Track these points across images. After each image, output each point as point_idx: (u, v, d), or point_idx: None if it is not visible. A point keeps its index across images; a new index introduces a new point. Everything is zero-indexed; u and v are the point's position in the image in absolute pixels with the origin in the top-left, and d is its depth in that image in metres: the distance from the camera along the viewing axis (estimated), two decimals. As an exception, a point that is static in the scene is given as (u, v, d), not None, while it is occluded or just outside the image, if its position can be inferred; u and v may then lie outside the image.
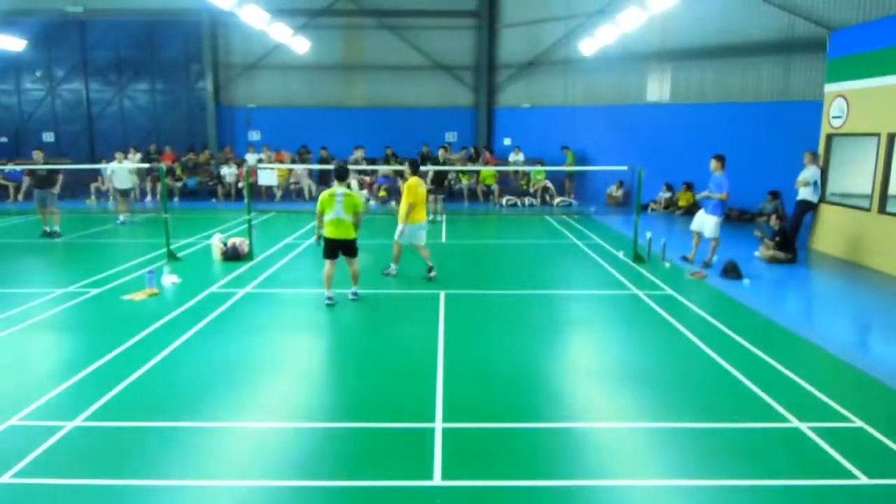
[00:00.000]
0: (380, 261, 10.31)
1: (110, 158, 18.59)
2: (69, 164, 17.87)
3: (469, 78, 22.07)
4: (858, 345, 7.41)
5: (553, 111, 20.65)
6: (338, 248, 8.18)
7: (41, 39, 21.17)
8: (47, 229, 13.35)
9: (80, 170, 17.90)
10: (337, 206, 7.93)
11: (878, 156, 10.89)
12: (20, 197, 13.80)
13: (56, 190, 13.53)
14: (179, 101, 22.55)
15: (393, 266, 9.87)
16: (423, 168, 17.90)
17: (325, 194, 8.03)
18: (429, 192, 15.86)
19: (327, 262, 8.23)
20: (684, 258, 11.06)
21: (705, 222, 10.65)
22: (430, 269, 9.64)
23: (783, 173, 13.71)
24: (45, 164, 13.65)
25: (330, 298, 8.24)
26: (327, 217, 8.01)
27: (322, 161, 19.93)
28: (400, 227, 9.51)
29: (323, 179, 20.48)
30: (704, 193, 10.67)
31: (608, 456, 4.76)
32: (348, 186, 8.34)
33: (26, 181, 13.71)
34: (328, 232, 8.07)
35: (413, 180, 9.44)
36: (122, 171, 15.33)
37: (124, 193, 15.49)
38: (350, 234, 8.11)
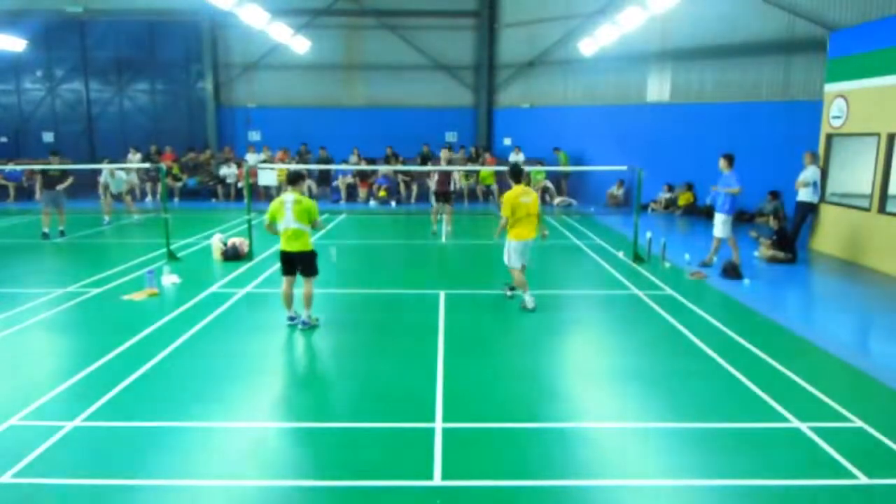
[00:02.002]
0: (374, 259, 10.29)
1: (111, 159, 18.62)
2: (72, 165, 17.89)
3: (469, 78, 22.07)
4: (858, 345, 7.41)
5: (553, 111, 20.64)
6: (294, 263, 7.24)
7: (41, 39, 21.15)
8: (46, 230, 13.30)
9: (82, 171, 17.86)
10: (287, 215, 7.03)
11: (877, 156, 10.89)
12: (37, 196, 13.98)
13: (63, 188, 13.56)
14: (179, 101, 22.55)
15: (527, 297, 8.21)
16: (424, 168, 18.00)
17: (274, 202, 7.22)
18: (435, 193, 15.72)
19: (285, 280, 7.34)
20: (703, 264, 10.75)
21: (716, 222, 10.59)
22: (511, 287, 8.53)
23: (783, 173, 13.72)
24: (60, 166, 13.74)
25: (292, 319, 7.46)
26: (280, 227, 7.15)
27: (321, 161, 19.92)
28: (506, 246, 8.26)
29: (323, 179, 20.50)
30: (714, 187, 10.58)
31: (608, 456, 4.76)
32: (305, 192, 7.25)
33: (38, 181, 13.70)
34: (283, 244, 7.20)
35: (515, 190, 8.07)
36: (117, 178, 15.40)
37: (116, 197, 15.56)
38: (307, 247, 7.19)
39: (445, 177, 13.81)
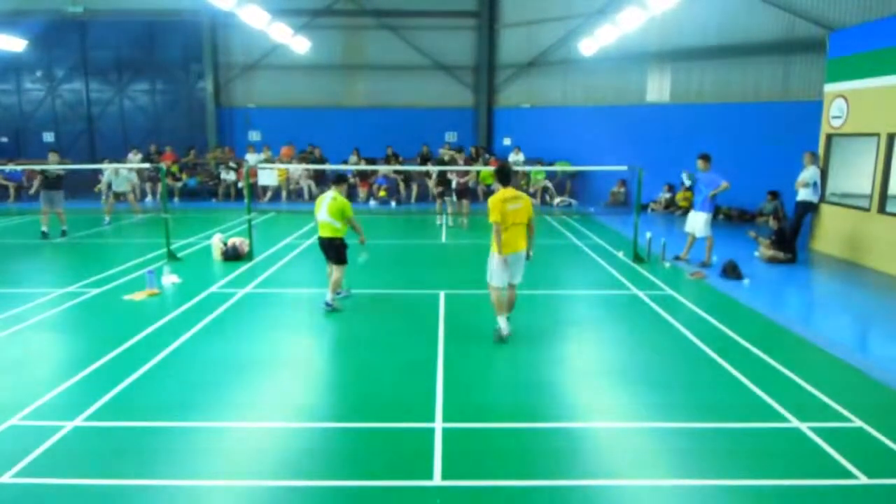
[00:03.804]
0: (374, 259, 10.28)
1: (112, 159, 18.64)
2: (74, 165, 17.90)
3: (469, 78, 22.07)
4: (858, 345, 7.40)
5: (553, 111, 20.65)
6: (326, 250, 8.17)
7: (41, 39, 21.14)
8: (45, 230, 13.29)
9: (83, 170, 17.90)
10: (322, 209, 8.05)
11: (877, 156, 10.89)
12: (34, 191, 14.33)
13: (59, 194, 13.57)
14: (179, 101, 22.54)
15: (501, 321, 7.03)
16: (425, 168, 17.97)
17: (319, 197, 8.26)
18: (438, 194, 15.76)
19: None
20: (677, 258, 11.10)
21: (696, 221, 10.68)
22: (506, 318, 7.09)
23: (783, 173, 13.71)
24: (59, 164, 13.80)
25: (337, 293, 8.40)
26: (317, 218, 8.20)
27: (316, 161, 19.89)
28: (488, 261, 7.06)
29: (321, 180, 20.46)
30: (711, 193, 10.54)
31: (608, 456, 4.76)
32: (344, 192, 8.26)
33: (37, 181, 13.84)
34: (319, 231, 8.20)
35: (501, 193, 6.83)
36: (120, 177, 15.46)
37: (118, 196, 15.63)
38: (336, 234, 8.06)
39: (464, 174, 14.18)
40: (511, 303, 7.20)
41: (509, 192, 6.88)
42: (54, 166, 13.34)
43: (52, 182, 13.28)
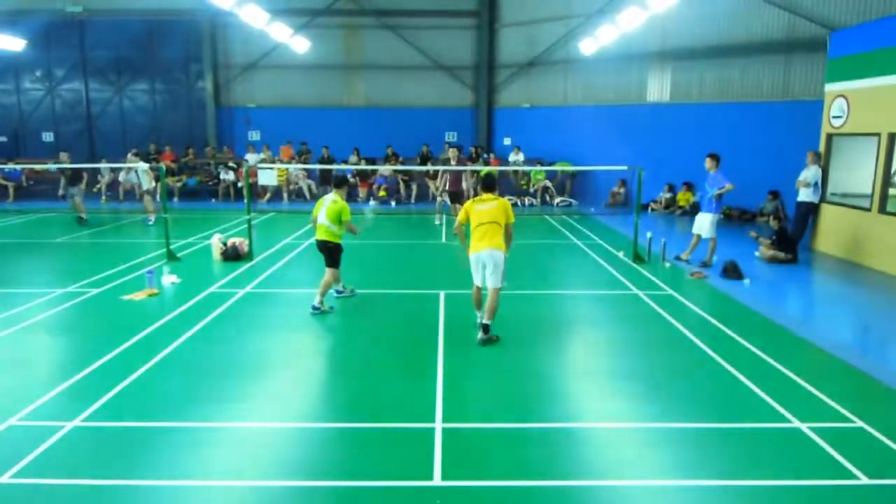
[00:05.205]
0: (374, 259, 10.28)
1: (110, 158, 18.66)
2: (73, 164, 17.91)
3: (469, 78, 22.07)
4: (858, 345, 7.40)
5: (553, 111, 20.65)
6: (322, 251, 8.14)
7: (41, 39, 21.13)
8: (84, 216, 14.94)
9: (84, 169, 17.94)
10: (322, 212, 7.99)
11: (878, 156, 10.89)
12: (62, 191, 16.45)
13: (77, 188, 15.15)
14: (179, 101, 22.52)
15: (479, 314, 7.31)
16: (424, 168, 17.97)
17: (320, 200, 8.20)
18: (449, 193, 15.62)
19: None
20: (677, 258, 11.08)
21: (702, 222, 10.67)
22: (483, 326, 7.00)
23: (783, 173, 13.71)
24: (67, 163, 15.53)
25: (339, 291, 8.77)
26: (317, 220, 8.11)
27: (323, 161, 19.89)
28: None
29: (324, 179, 20.46)
30: (716, 192, 10.46)
31: (608, 456, 4.76)
32: (344, 196, 8.22)
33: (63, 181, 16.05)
34: (316, 233, 8.16)
35: (478, 197, 7.20)
36: (140, 171, 15.56)
37: (148, 192, 15.67)
38: (331, 237, 8.00)
39: (457, 177, 13.82)
40: (490, 309, 6.92)
41: (486, 196, 7.12)
42: (69, 165, 14.81)
43: (69, 179, 15.21)
